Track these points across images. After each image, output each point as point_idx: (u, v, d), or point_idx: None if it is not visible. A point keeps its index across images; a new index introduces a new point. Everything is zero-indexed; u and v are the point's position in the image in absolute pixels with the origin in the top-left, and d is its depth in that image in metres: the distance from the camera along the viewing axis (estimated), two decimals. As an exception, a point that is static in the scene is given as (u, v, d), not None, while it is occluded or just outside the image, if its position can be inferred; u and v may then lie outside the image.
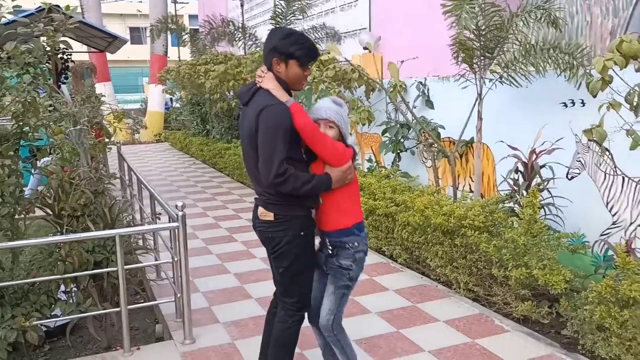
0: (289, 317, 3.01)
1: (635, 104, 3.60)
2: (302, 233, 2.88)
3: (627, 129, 3.52)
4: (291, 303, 3.00)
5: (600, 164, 4.62)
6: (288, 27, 2.45)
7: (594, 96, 3.67)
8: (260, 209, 2.91)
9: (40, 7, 7.32)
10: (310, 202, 2.90)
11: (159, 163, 13.80)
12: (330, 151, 2.80)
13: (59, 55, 10.15)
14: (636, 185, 4.36)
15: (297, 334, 3.06)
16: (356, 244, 2.91)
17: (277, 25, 8.99)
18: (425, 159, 6.71)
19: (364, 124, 6.56)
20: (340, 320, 3.03)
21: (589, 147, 4.70)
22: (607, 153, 4.51)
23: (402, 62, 6.73)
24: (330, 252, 2.95)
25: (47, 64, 4.00)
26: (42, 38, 3.88)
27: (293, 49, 2.77)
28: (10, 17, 3.99)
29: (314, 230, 2.96)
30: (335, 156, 2.82)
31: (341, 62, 6.64)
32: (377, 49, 7.54)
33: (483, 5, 4.75)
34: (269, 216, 2.87)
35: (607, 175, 4.57)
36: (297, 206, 2.86)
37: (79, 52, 14.20)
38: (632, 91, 3.57)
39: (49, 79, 4.20)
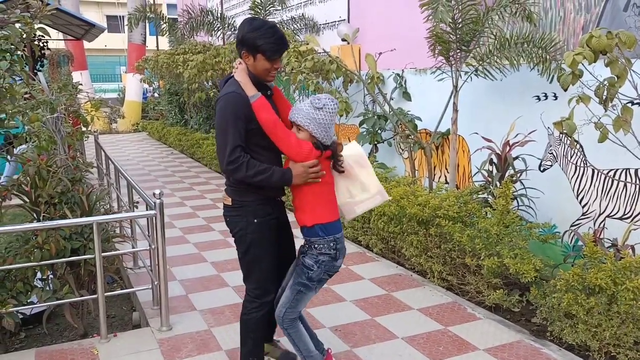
0: (248, 304, 3.08)
1: (604, 97, 3.71)
2: (255, 220, 2.92)
3: (595, 122, 3.63)
4: (250, 289, 3.07)
5: (570, 157, 4.74)
6: (261, 18, 2.44)
7: (565, 90, 3.77)
8: (223, 193, 3.03)
9: (15, -8, 7.21)
10: (268, 191, 2.93)
11: (136, 152, 13.70)
12: (292, 149, 2.80)
13: (36, 42, 10.00)
14: (605, 178, 4.49)
15: (256, 322, 3.08)
16: (321, 246, 2.90)
17: (252, 16, 8.98)
18: (402, 150, 6.79)
19: (341, 115, 6.61)
20: (292, 316, 3.02)
21: (560, 139, 4.82)
22: (578, 146, 4.63)
23: (380, 54, 6.78)
24: (304, 247, 3.00)
25: (23, 51, 3.96)
26: (18, 25, 3.85)
27: (260, 42, 2.76)
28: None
29: (272, 220, 2.98)
30: (298, 154, 2.80)
31: (319, 53, 6.68)
32: (356, 40, 7.58)
33: (459, -1, 4.82)
34: (228, 201, 2.97)
35: (577, 168, 4.70)
36: (251, 193, 2.91)
37: (56, 40, 14.00)
38: (601, 85, 3.68)
39: (26, 66, 4.17)
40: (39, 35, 4.71)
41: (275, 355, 3.44)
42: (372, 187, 3.09)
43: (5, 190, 3.87)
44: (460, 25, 4.96)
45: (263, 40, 2.75)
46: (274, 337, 3.52)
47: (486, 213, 4.73)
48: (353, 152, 3.08)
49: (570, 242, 4.79)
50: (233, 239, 3.05)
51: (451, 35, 5.04)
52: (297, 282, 2.98)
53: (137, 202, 5.19)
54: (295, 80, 6.53)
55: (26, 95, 4.63)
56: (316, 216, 2.89)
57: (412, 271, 5.06)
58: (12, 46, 3.70)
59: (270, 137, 2.79)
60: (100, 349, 3.72)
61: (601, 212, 4.56)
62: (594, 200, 4.59)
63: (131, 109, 18.99)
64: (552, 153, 4.92)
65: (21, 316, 4.02)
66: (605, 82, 3.65)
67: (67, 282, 3.89)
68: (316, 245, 2.91)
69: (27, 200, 4.09)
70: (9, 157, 4.31)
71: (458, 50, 5.16)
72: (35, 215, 4.07)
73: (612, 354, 3.52)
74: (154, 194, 3.85)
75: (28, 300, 3.79)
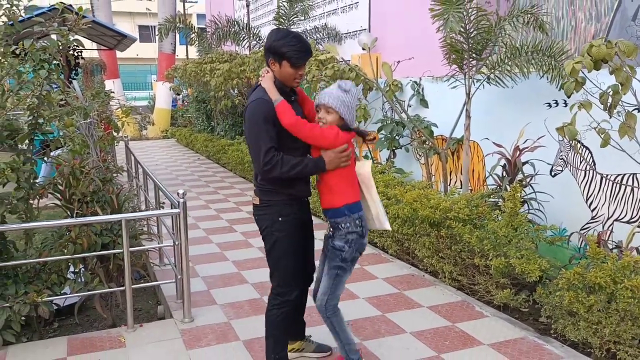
0: (271, 300, 3.22)
1: (608, 104, 3.86)
2: (280, 219, 3.07)
3: (594, 127, 3.78)
4: (273, 287, 3.22)
5: (580, 162, 4.87)
6: (287, 28, 2.62)
7: (568, 96, 3.92)
8: (253, 194, 3.21)
9: (53, 6, 7.63)
10: (295, 190, 3.09)
11: (165, 158, 14.11)
12: (319, 140, 3.00)
13: (71, 52, 10.46)
14: (612, 183, 4.61)
15: (276, 319, 3.20)
16: (348, 224, 3.05)
17: (279, 26, 9.27)
18: (419, 155, 6.97)
19: (360, 122, 6.83)
20: (333, 302, 3.17)
21: (570, 145, 4.95)
22: (586, 151, 4.76)
23: (398, 62, 6.99)
24: (329, 232, 3.15)
25: (60, 61, 4.29)
26: (55, 36, 4.18)
27: (284, 50, 2.93)
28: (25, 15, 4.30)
29: (297, 219, 3.13)
30: (325, 139, 2.99)
31: (339, 62, 6.91)
32: (376, 49, 7.80)
33: (470, 10, 5.00)
34: (256, 200, 3.16)
35: (586, 173, 4.82)
36: (277, 193, 3.07)
37: (90, 50, 14.54)
38: (605, 93, 3.83)
39: (62, 75, 4.50)
40: (74, 46, 5.06)
41: (310, 349, 3.61)
42: (372, 210, 3.22)
43: (42, 189, 4.18)
44: (472, 35, 5.13)
45: (288, 47, 2.93)
46: (306, 333, 3.65)
47: (497, 216, 4.88)
48: (361, 171, 3.20)
49: (580, 245, 4.90)
50: (256, 239, 3.23)
51: (464, 45, 5.23)
52: (332, 266, 3.12)
53: (164, 203, 5.48)
54: (316, 88, 6.77)
55: (62, 102, 4.96)
56: (345, 196, 3.06)
57: (425, 272, 5.23)
58: (50, 56, 4.02)
59: (298, 137, 2.98)
60: (127, 338, 3.99)
61: (609, 216, 4.68)
62: (603, 205, 4.71)
63: (161, 116, 19.51)
64: (562, 158, 5.06)
65: (55, 307, 4.33)
66: (609, 90, 3.79)
67: (97, 275, 4.18)
68: (343, 225, 3.06)
69: (62, 199, 4.40)
70: (45, 159, 4.63)
71: (471, 59, 5.34)
72: (69, 212, 4.37)
73: (612, 351, 3.63)
74: (177, 193, 4.12)
75: (62, 292, 4.09)
